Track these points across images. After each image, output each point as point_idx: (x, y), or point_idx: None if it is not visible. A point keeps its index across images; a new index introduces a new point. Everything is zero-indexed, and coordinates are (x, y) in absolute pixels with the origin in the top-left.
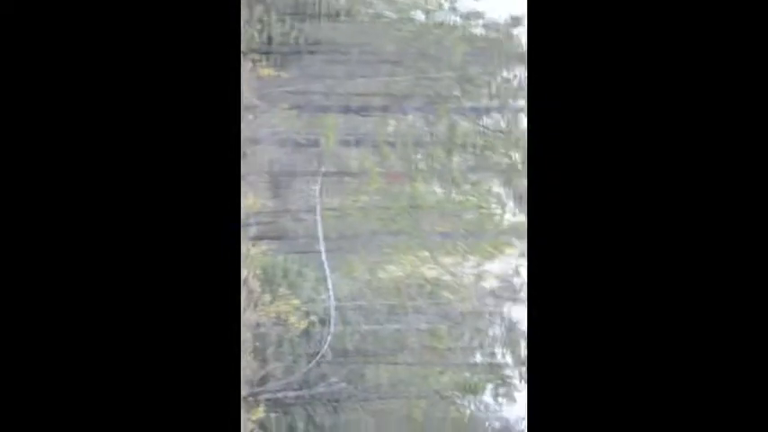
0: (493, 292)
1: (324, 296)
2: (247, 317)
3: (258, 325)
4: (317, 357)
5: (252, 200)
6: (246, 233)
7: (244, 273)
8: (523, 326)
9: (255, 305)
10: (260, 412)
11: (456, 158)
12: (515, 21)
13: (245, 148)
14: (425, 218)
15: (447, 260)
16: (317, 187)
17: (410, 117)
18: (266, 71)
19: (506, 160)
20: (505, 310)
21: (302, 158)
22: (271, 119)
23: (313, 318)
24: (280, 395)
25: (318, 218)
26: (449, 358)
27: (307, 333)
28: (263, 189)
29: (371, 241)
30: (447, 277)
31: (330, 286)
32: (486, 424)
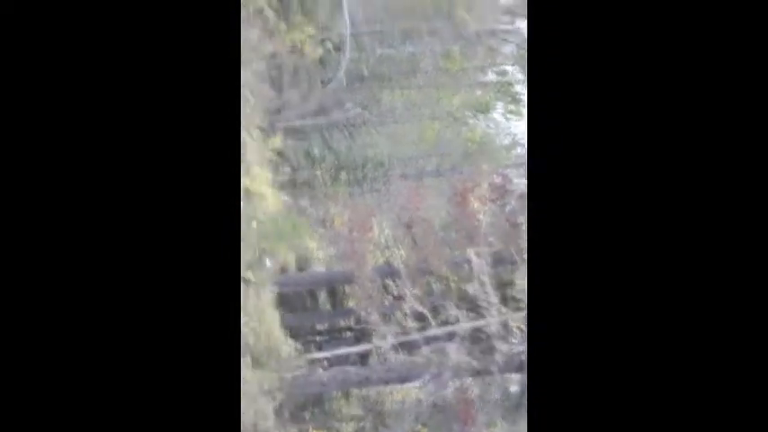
0: (508, 9)
1: (340, 22)
2: (263, 47)
3: (274, 55)
4: (331, 83)
5: None
6: None
7: (258, 3)
8: None
9: (271, 35)
10: (277, 141)
11: None
12: None
13: None
14: None
15: None
16: None
17: None
18: None
19: None
20: (519, 26)
21: None
22: None
23: (328, 45)
24: (297, 123)
25: None
26: (461, 80)
27: (322, 60)
28: None
29: None
30: None
31: (346, 11)
32: (496, 140)
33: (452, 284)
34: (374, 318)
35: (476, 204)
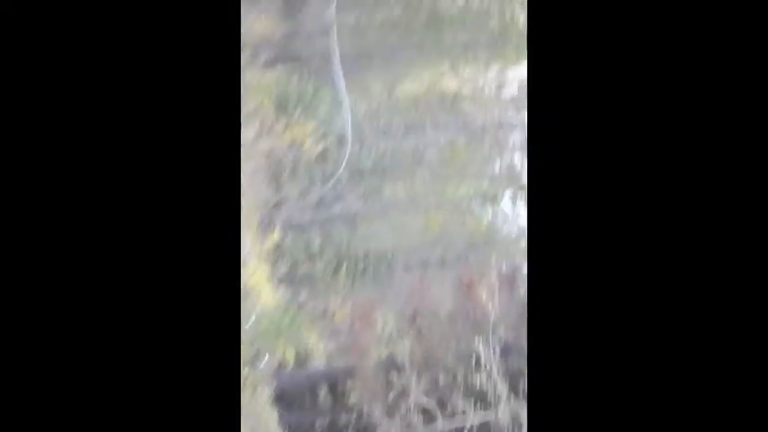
0: (513, 100)
1: (340, 116)
2: (262, 143)
3: (271, 152)
4: (333, 178)
5: (263, 24)
6: (257, 60)
7: (256, 100)
8: None
9: (270, 131)
10: (276, 236)
11: None
12: None
13: None
14: (447, 29)
15: (468, 70)
16: (333, 6)
17: None
18: None
19: None
20: (525, 117)
21: None
22: None
23: (330, 139)
24: (295, 217)
25: (334, 36)
26: (467, 170)
27: (323, 155)
28: (274, 12)
29: (390, 57)
30: (467, 89)
31: (346, 105)
32: (503, 230)
33: (459, 376)
34: (377, 412)
35: (483, 294)
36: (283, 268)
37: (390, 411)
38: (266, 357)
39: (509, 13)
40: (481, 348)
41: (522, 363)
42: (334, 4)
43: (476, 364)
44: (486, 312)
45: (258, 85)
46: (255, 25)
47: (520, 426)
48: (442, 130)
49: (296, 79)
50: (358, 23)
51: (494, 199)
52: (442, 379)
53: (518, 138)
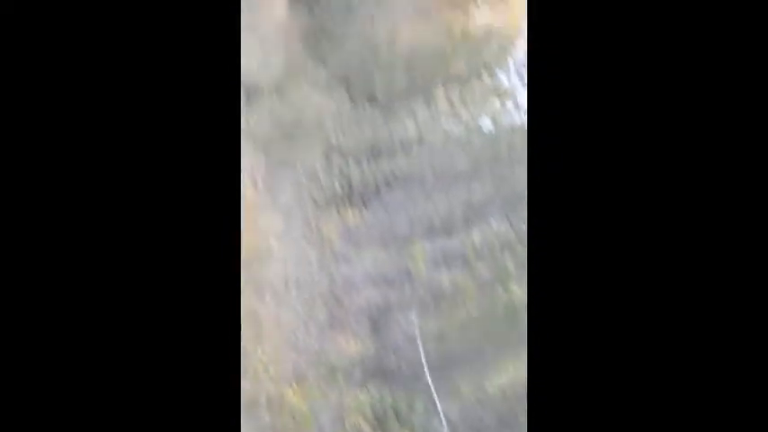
0: None
1: (436, 424)
2: None
3: None
4: None
5: (353, 345)
6: (352, 379)
7: (355, 421)
8: None
9: None
10: None
11: None
12: None
13: (341, 295)
14: (523, 319)
15: None
16: (415, 317)
17: (493, 223)
18: (350, 216)
19: None
20: None
21: (396, 292)
22: (361, 261)
23: None
24: None
25: (420, 347)
26: None
27: None
28: (362, 332)
29: (474, 356)
30: None
31: (441, 414)
32: None
33: None
34: None
35: None
36: None
37: None
38: None
39: None
40: None
41: None
42: (415, 314)
43: None
44: None
45: (354, 405)
46: (345, 347)
47: None
48: None
49: (389, 394)
50: (440, 329)
51: None
52: None
53: None
